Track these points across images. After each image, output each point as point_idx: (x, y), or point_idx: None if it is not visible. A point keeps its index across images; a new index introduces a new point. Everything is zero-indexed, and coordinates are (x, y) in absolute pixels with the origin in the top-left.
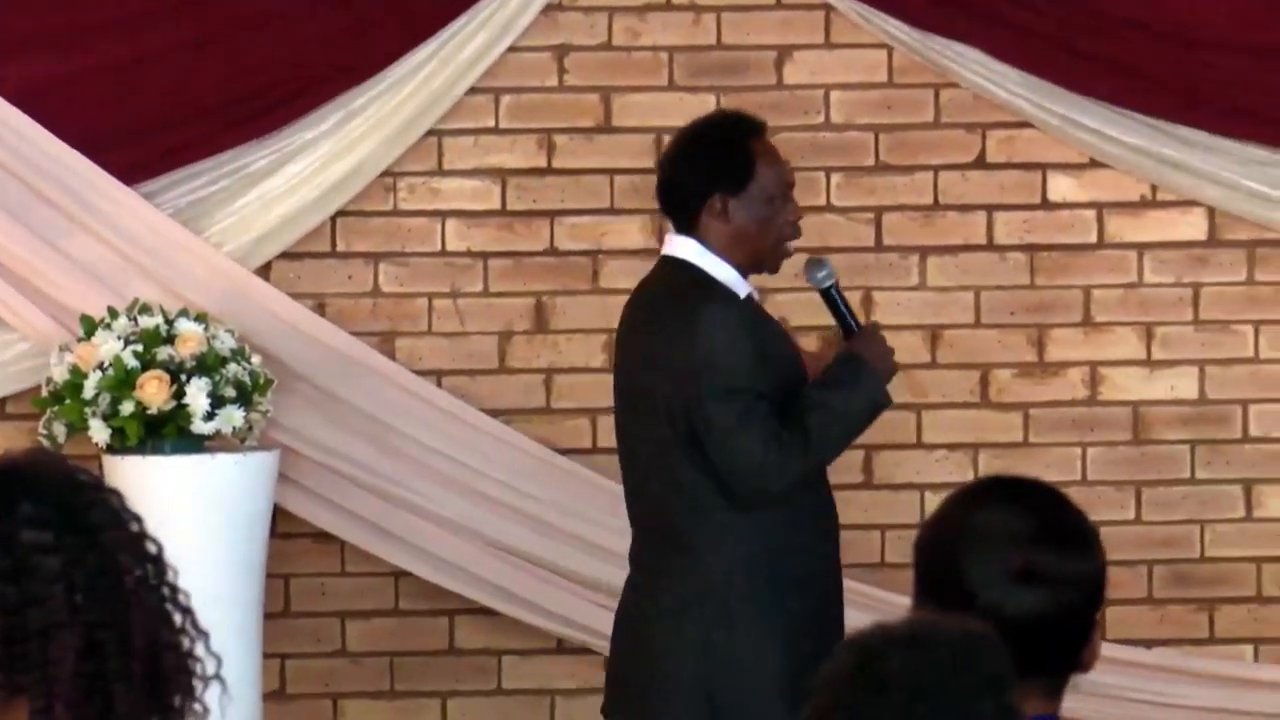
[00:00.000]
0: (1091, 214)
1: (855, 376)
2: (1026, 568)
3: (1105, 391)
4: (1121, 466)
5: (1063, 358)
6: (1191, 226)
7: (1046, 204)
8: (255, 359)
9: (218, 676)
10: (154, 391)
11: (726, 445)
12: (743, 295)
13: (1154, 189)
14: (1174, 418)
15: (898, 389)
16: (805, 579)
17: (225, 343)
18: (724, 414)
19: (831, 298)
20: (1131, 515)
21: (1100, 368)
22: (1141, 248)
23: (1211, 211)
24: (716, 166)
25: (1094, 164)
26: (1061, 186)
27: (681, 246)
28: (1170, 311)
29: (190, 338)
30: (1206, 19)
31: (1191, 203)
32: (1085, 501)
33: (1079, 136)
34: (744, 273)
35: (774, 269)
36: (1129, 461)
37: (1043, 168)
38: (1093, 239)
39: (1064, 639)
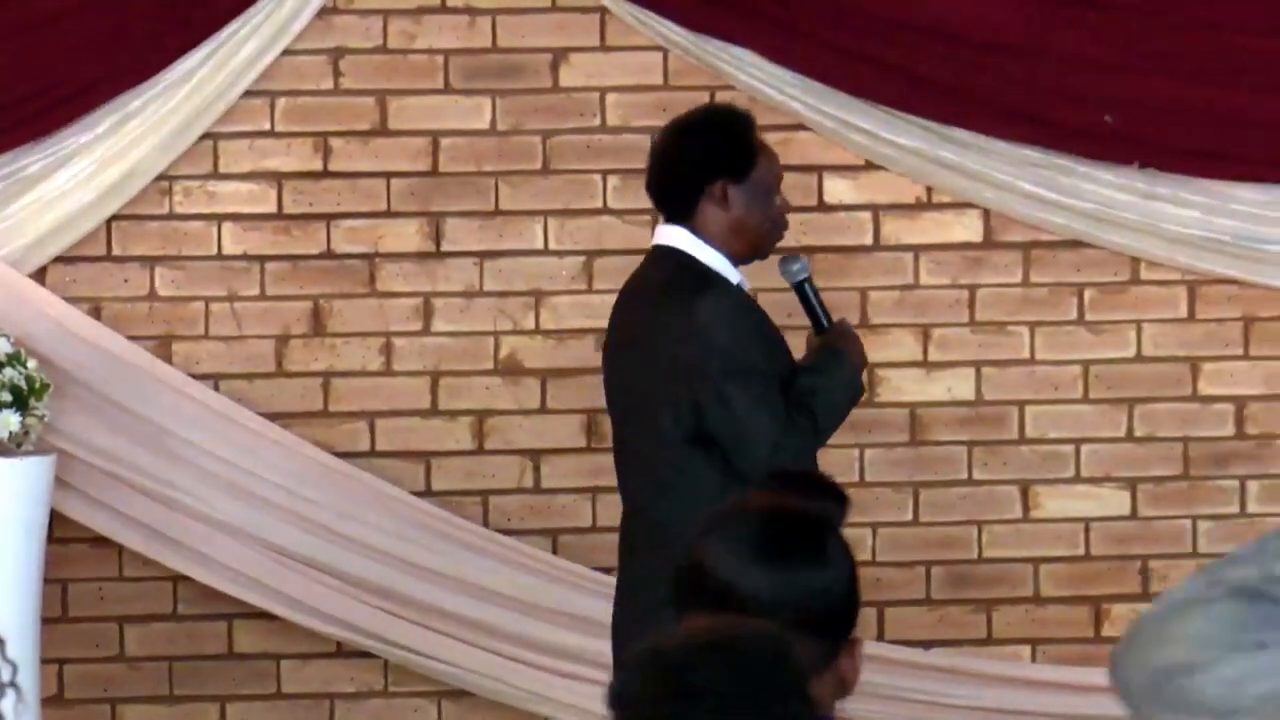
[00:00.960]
0: (867, 216)
1: (839, 367)
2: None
3: (883, 393)
4: (899, 468)
5: None
6: (967, 228)
7: (822, 206)
8: (32, 363)
9: (13, 684)
10: None
11: (743, 425)
12: (734, 284)
13: (929, 191)
14: (951, 419)
15: None
16: None
17: (1, 347)
18: (741, 394)
19: (804, 292)
20: (909, 516)
21: (878, 369)
22: (917, 249)
23: (986, 213)
24: (720, 153)
25: (869, 166)
26: (837, 188)
27: (673, 235)
28: (946, 313)
29: None
30: (980, 21)
31: (967, 205)
32: (863, 503)
33: (854, 139)
34: (735, 262)
35: (764, 256)
36: (907, 462)
37: (818, 170)
38: (869, 241)
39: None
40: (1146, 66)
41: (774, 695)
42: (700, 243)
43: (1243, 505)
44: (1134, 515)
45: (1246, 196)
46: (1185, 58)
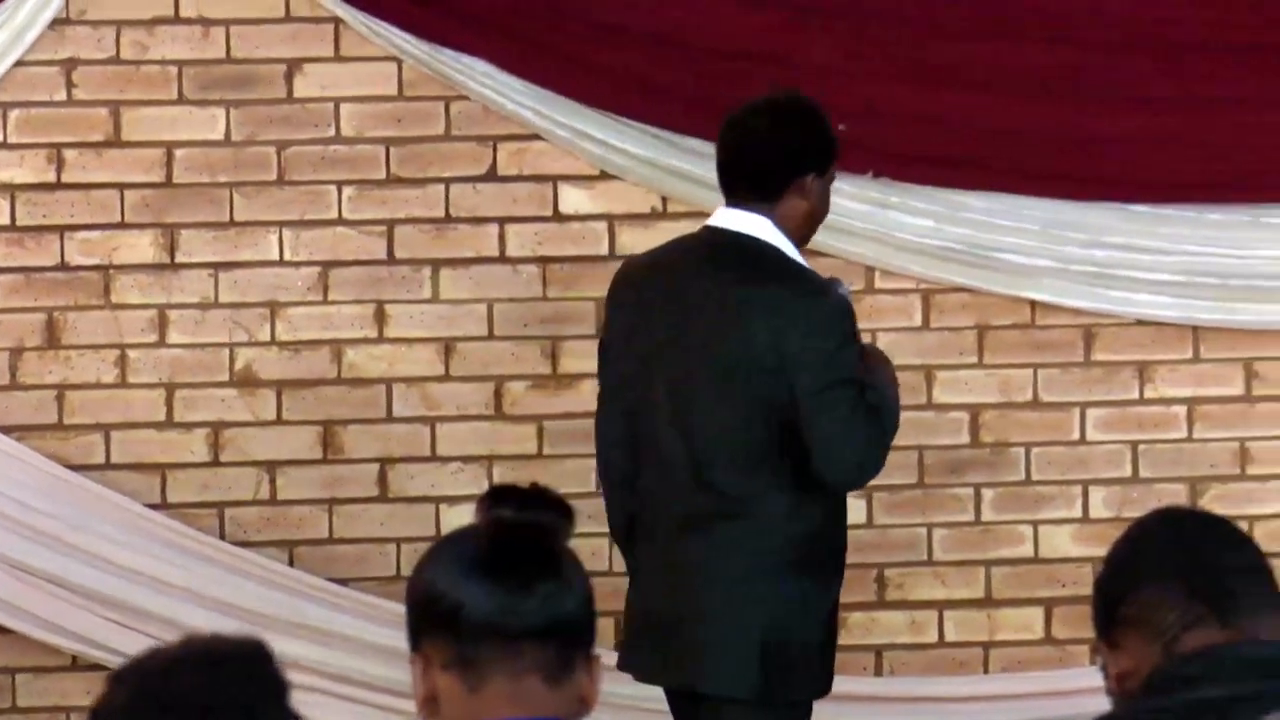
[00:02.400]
0: (603, 226)
1: (887, 387)
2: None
3: None
4: None
5: (576, 370)
6: None
7: (558, 216)
8: None
9: None
10: None
11: (838, 442)
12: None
13: (664, 200)
14: None
15: (410, 403)
16: (840, 562)
17: None
18: (840, 408)
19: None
20: None
21: None
22: None
23: None
24: (817, 147)
25: (604, 175)
26: (572, 198)
27: (757, 225)
28: None
29: None
30: (715, 29)
31: (701, 213)
32: (599, 512)
33: (588, 148)
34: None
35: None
36: None
37: (553, 180)
38: (604, 251)
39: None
40: (879, 74)
41: (254, 703)
42: (778, 232)
43: (978, 513)
44: (870, 524)
45: (979, 205)
46: (918, 65)
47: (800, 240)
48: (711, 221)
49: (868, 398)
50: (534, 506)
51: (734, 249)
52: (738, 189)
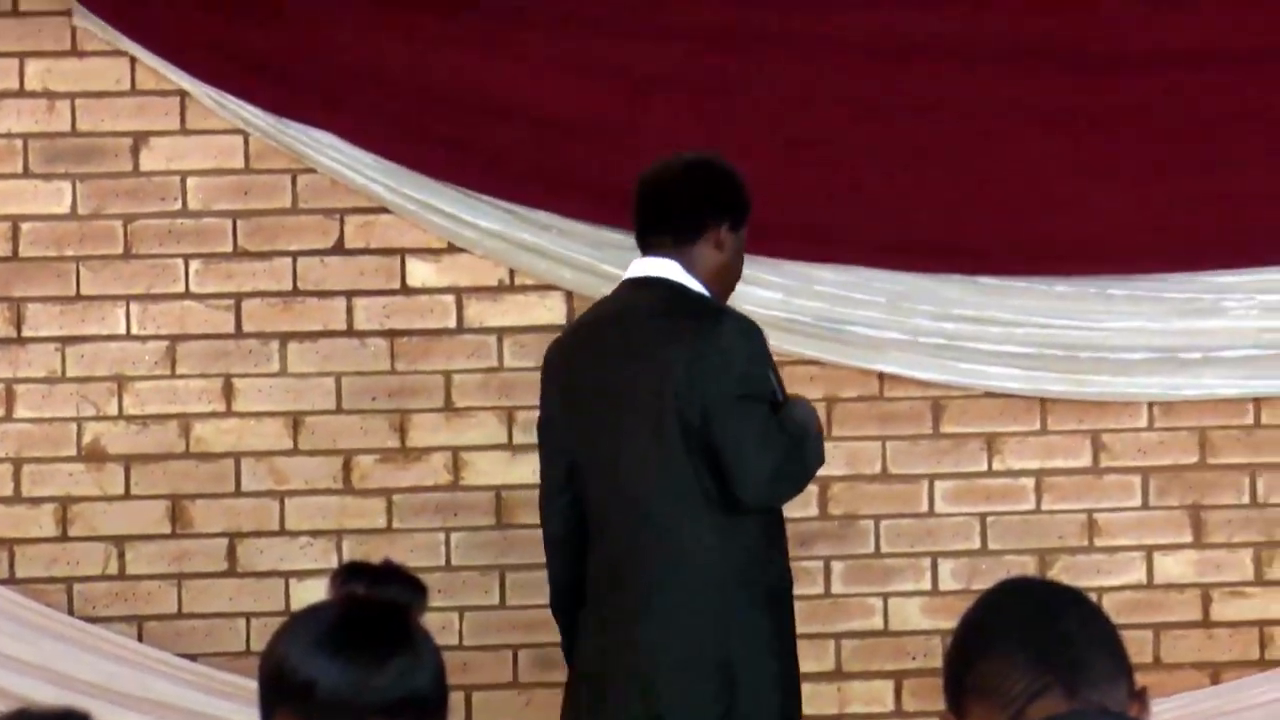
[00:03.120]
0: (451, 298)
1: (807, 421)
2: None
3: (468, 476)
4: (485, 550)
5: (425, 443)
6: (550, 310)
7: (406, 289)
8: None
9: None
10: None
11: (749, 450)
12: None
13: (512, 273)
14: (535, 501)
15: (259, 476)
16: (783, 590)
17: None
18: (752, 419)
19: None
20: (496, 600)
21: (462, 452)
22: (501, 332)
23: (569, 295)
24: (730, 199)
25: (452, 248)
26: (420, 271)
27: (665, 267)
28: (530, 395)
29: None
30: (562, 102)
31: (549, 286)
32: (449, 586)
33: (436, 221)
34: None
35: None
36: (492, 545)
37: (401, 252)
38: (452, 323)
39: None
40: (727, 146)
41: None
42: (690, 277)
43: (827, 585)
44: None
45: (828, 278)
46: (768, 138)
47: (717, 295)
48: (628, 274)
49: (786, 427)
50: (387, 583)
51: (645, 290)
52: (651, 238)
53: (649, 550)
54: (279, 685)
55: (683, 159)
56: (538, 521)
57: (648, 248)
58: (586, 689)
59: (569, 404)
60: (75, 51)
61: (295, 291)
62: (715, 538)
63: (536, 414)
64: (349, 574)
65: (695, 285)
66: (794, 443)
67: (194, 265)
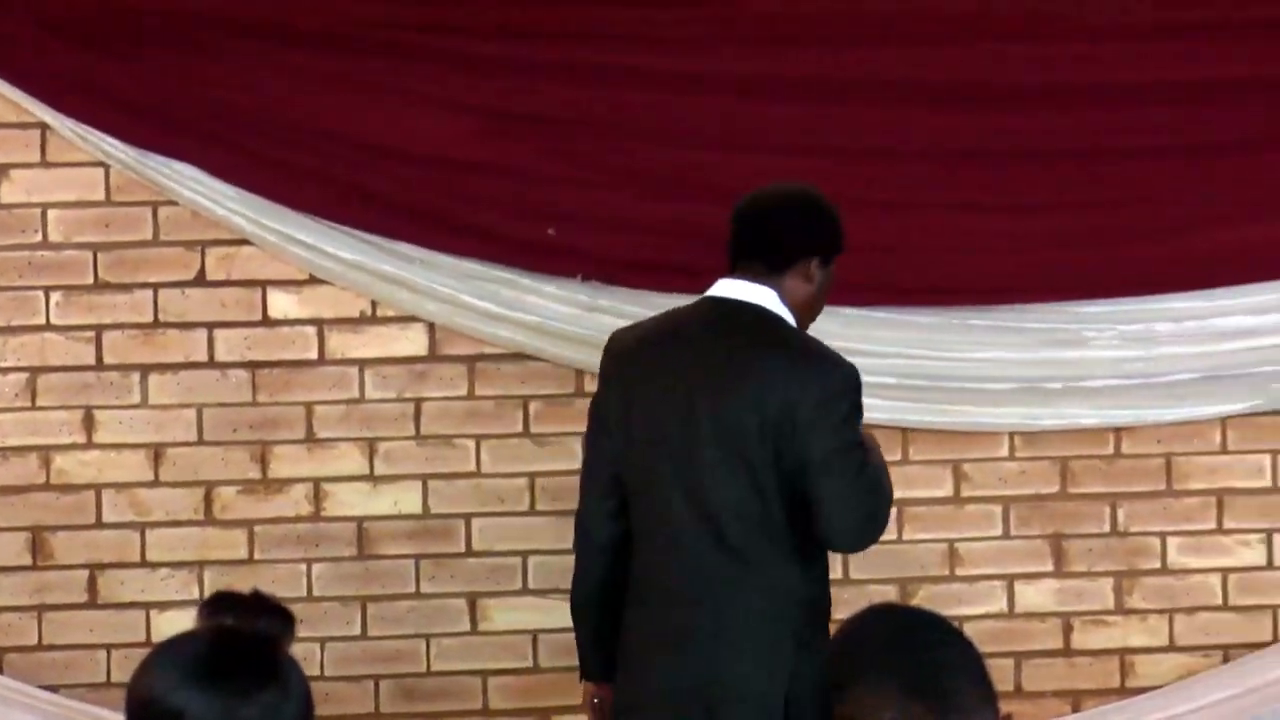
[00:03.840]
0: (313, 330)
1: (881, 466)
2: None
3: (329, 507)
4: (347, 582)
5: (286, 474)
6: (412, 342)
7: (267, 321)
8: None
9: None
10: None
11: (845, 495)
12: None
13: (374, 305)
14: (398, 532)
15: (120, 508)
16: (829, 631)
17: None
18: (852, 464)
19: None
20: (358, 631)
21: (324, 484)
22: (363, 363)
23: (431, 327)
24: (826, 233)
25: (314, 280)
26: (282, 303)
27: (762, 295)
28: (392, 426)
29: None
30: (422, 135)
31: (411, 318)
32: (311, 617)
33: (297, 253)
34: None
35: None
36: (354, 577)
37: (263, 284)
38: (314, 355)
39: None
40: (588, 179)
41: None
42: (783, 306)
43: None
44: None
45: None
46: (625, 170)
47: (798, 324)
48: (713, 292)
49: (872, 472)
50: (256, 613)
51: (743, 315)
52: (746, 261)
53: (725, 580)
54: (146, 716)
55: (786, 189)
56: (402, 552)
57: (738, 268)
58: (655, 702)
59: (633, 411)
60: None
61: (156, 323)
62: (794, 575)
63: (398, 446)
64: (218, 604)
65: (788, 315)
66: (880, 494)
67: (55, 297)
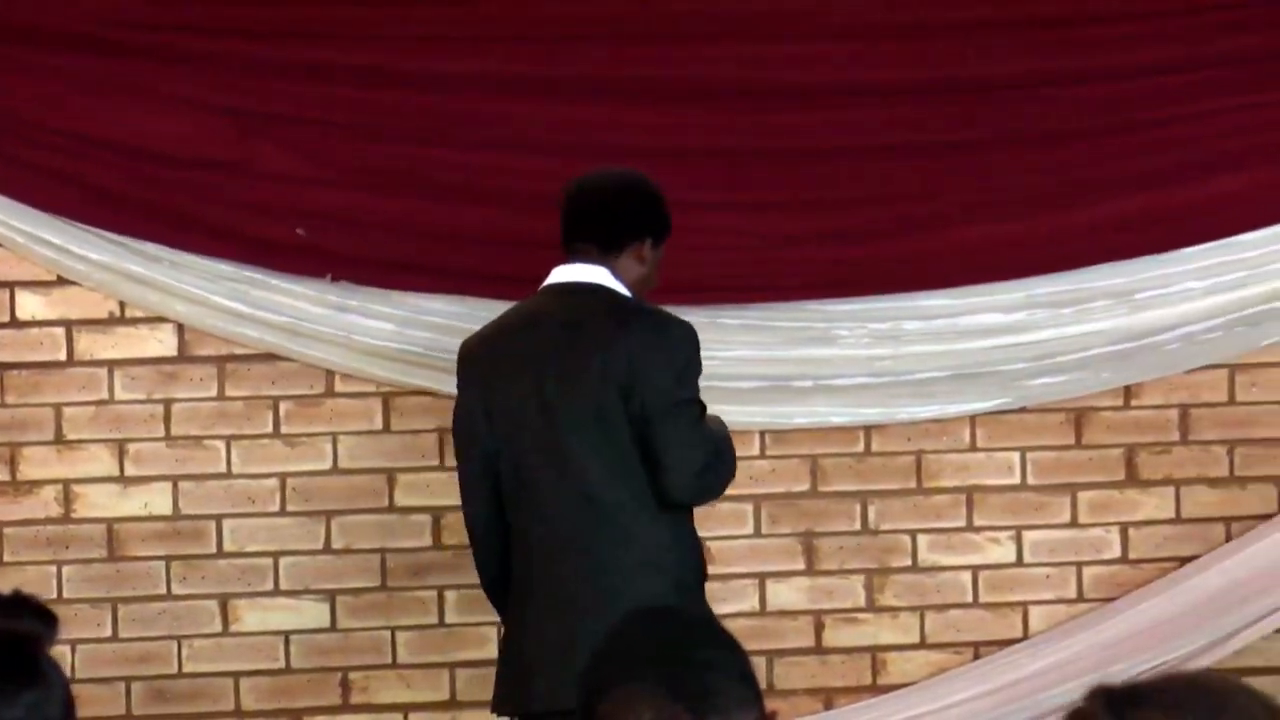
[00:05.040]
0: (61, 331)
1: (720, 431)
2: None
3: (80, 509)
4: (98, 584)
5: (36, 476)
6: (161, 343)
7: (15, 322)
8: None
9: None
10: None
11: (681, 444)
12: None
13: (122, 305)
14: (149, 534)
15: None
16: (703, 583)
17: None
18: (688, 417)
19: None
20: (109, 633)
21: (74, 485)
22: (112, 364)
23: (181, 327)
24: (656, 215)
25: (61, 281)
26: (29, 304)
27: (599, 275)
28: (142, 428)
29: None
30: (171, 137)
31: (161, 319)
32: (61, 620)
33: (44, 253)
34: None
35: None
36: (105, 579)
37: (10, 286)
38: (63, 356)
39: None
40: (336, 179)
41: None
42: (620, 284)
43: (441, 615)
44: (334, 627)
45: (437, 307)
46: (374, 169)
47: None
48: (551, 280)
49: (701, 426)
50: (17, 614)
51: (582, 293)
52: (580, 245)
53: (592, 533)
54: None
55: (614, 174)
56: (153, 554)
57: (574, 253)
58: (540, 664)
59: (495, 397)
60: None
61: None
62: (653, 526)
63: (148, 448)
64: None
65: (623, 290)
66: (719, 451)
67: None
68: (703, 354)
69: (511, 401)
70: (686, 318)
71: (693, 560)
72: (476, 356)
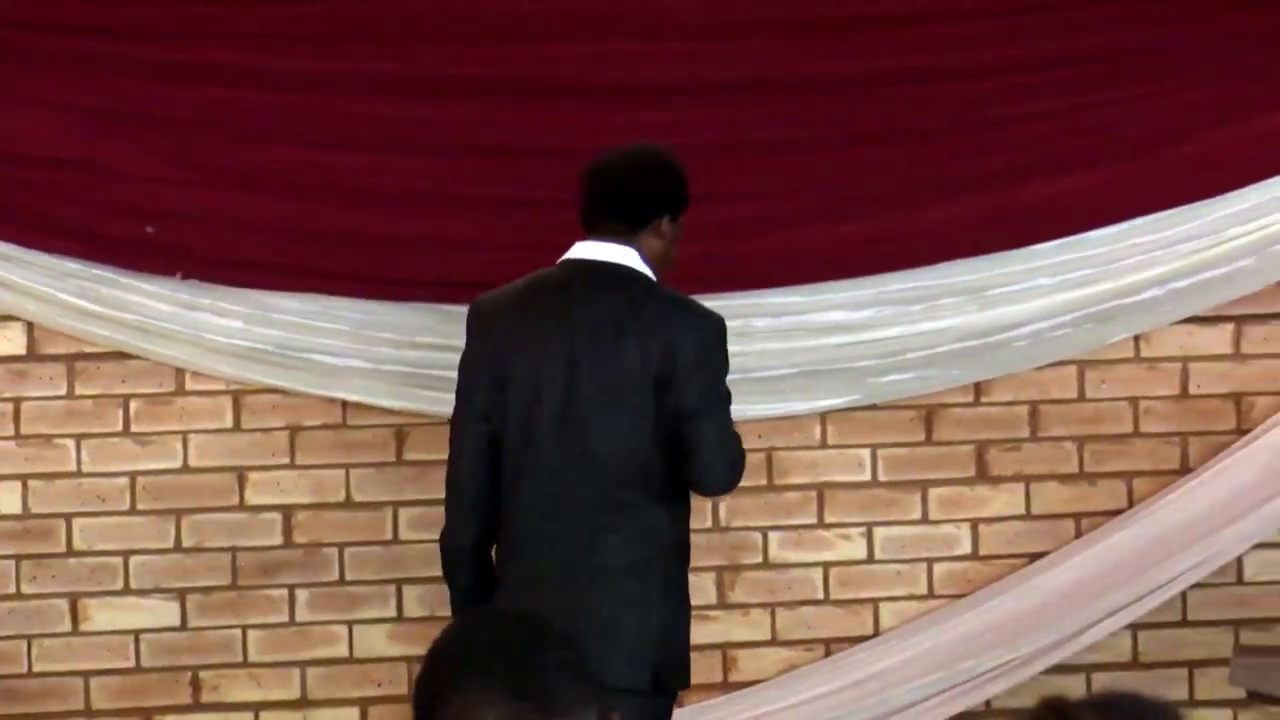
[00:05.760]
0: None
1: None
2: None
3: None
4: None
5: None
6: (10, 341)
7: None
8: None
9: None
10: None
11: (717, 438)
12: None
13: None
14: None
15: None
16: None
17: None
18: (722, 413)
19: None
20: None
21: None
22: None
23: (30, 326)
24: (674, 190)
25: None
26: None
27: (627, 255)
28: None
29: None
30: (17, 135)
31: (10, 317)
32: None
33: None
34: None
35: None
36: None
37: None
38: None
39: None
40: (187, 179)
41: None
42: (645, 265)
43: (292, 613)
44: (184, 626)
45: (291, 306)
46: (224, 168)
47: (660, 277)
48: (573, 254)
49: (731, 420)
50: None
51: (611, 274)
52: (602, 223)
53: (603, 523)
54: None
55: (634, 150)
56: (3, 554)
57: (594, 231)
58: None
59: (514, 357)
60: None
61: None
62: (666, 517)
63: (3, 444)
64: None
65: (650, 272)
66: (739, 443)
67: None
68: None
69: (533, 365)
70: None
71: (684, 539)
72: (496, 311)
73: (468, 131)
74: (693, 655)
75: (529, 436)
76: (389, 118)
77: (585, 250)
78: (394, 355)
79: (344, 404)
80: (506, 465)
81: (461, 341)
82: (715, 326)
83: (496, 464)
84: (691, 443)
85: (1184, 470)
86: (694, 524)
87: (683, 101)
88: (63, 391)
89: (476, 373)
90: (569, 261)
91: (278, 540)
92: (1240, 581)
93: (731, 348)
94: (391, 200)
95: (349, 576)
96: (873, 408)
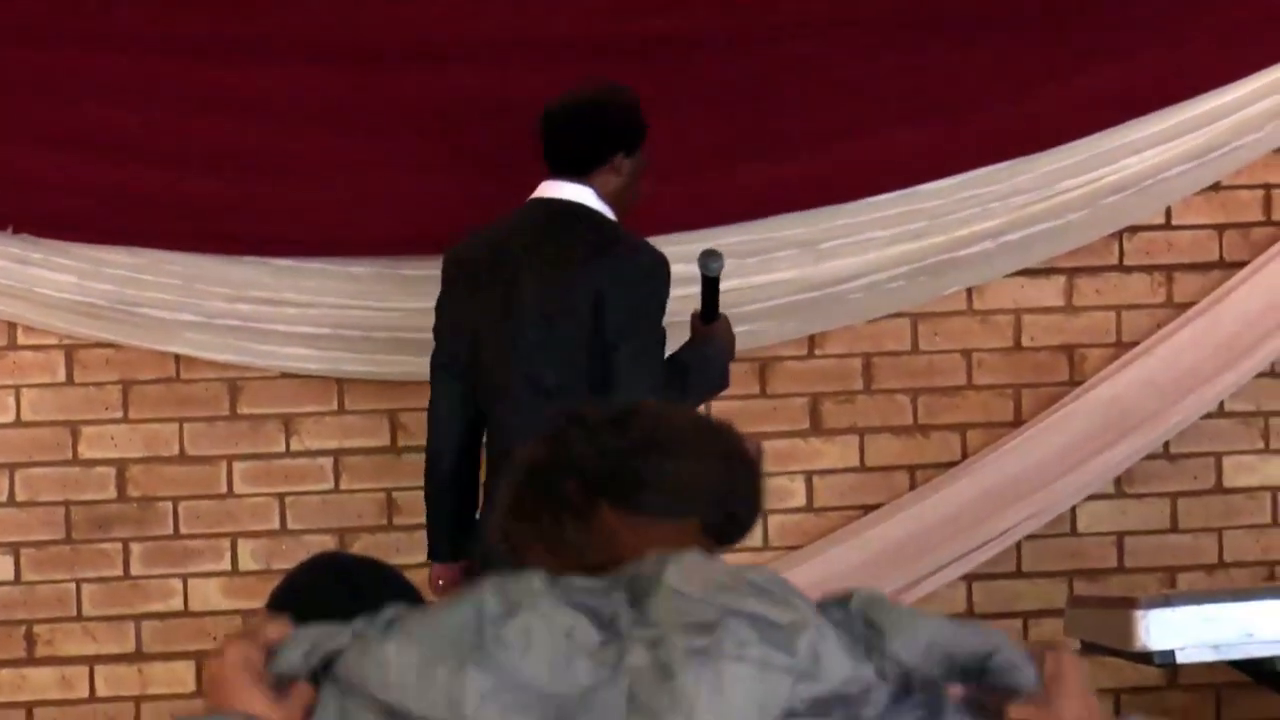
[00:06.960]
0: None
1: (715, 357)
2: None
3: None
4: None
5: None
6: None
7: None
8: None
9: None
10: None
11: (631, 384)
12: None
13: None
14: None
15: None
16: None
17: None
18: (642, 351)
19: (715, 286)
20: None
21: None
22: None
23: None
24: (624, 129)
25: None
26: None
27: (579, 192)
28: None
29: None
30: None
31: None
32: None
33: None
34: None
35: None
36: None
37: None
38: None
39: None
40: (18, 134)
41: None
42: (601, 202)
43: (126, 568)
44: (18, 580)
45: (121, 260)
46: (56, 126)
47: (619, 214)
48: (538, 194)
49: (682, 355)
50: None
51: (563, 212)
52: (559, 164)
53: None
54: None
55: (582, 94)
56: None
57: (556, 171)
58: None
59: (469, 306)
60: None
61: None
62: None
63: None
64: None
65: (605, 209)
66: (676, 383)
67: None
68: (385, 306)
69: (490, 301)
70: (367, 270)
71: None
72: (466, 258)
73: (290, 93)
74: None
75: (493, 372)
76: (211, 80)
77: (545, 189)
78: (226, 309)
79: (176, 358)
80: (480, 401)
81: (289, 295)
82: (644, 266)
83: (469, 402)
84: (613, 378)
85: (1017, 422)
86: None
87: (502, 59)
88: None
89: (440, 317)
90: (532, 201)
91: (111, 494)
92: (1074, 533)
93: None
94: (215, 160)
95: (183, 530)
96: None
